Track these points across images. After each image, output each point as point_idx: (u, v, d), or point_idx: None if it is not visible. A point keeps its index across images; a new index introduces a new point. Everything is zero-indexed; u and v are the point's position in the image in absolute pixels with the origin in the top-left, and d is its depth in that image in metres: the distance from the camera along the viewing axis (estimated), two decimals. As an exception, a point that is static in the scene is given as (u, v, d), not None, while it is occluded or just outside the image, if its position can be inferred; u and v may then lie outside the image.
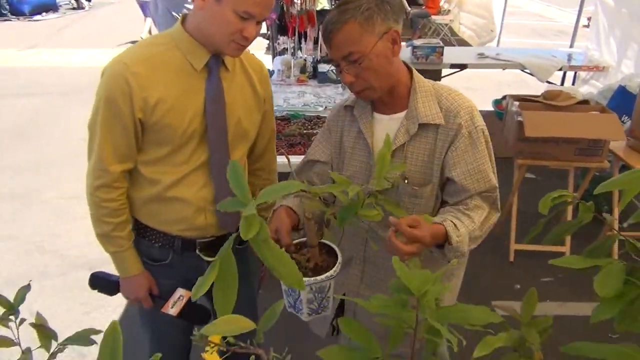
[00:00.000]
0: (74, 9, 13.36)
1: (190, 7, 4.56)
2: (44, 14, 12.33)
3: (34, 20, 11.75)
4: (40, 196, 4.12)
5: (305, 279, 1.15)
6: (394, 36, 1.31)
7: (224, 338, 0.83)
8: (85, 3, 13.58)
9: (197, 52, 1.39)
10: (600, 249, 1.07)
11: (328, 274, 1.19)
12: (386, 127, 1.39)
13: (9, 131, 5.41)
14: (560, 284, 3.15)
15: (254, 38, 1.36)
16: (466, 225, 1.28)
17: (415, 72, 1.42)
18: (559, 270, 3.39)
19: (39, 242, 3.51)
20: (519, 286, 3.09)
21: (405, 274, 0.89)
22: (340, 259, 1.23)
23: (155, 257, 1.58)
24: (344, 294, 1.57)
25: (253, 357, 0.85)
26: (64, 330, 0.89)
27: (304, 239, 1.26)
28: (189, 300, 1.58)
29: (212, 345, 0.82)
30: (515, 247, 3.33)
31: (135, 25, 9.42)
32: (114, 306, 2.82)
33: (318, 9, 5.83)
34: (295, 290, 1.19)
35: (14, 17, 11.76)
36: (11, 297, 0.88)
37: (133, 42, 6.93)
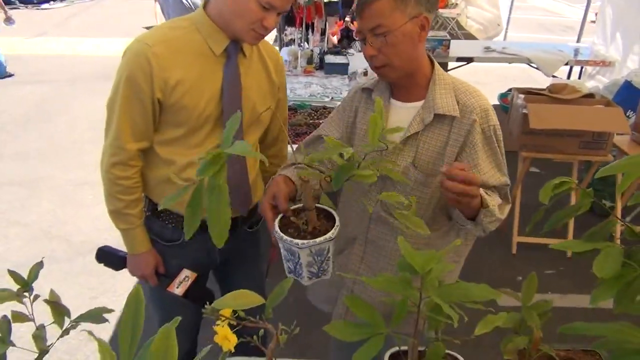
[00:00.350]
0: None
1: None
2: (51, 2, 12.37)
3: (42, 9, 11.79)
4: (48, 183, 4.16)
5: (304, 241, 1.15)
6: (424, 22, 1.32)
7: (234, 312, 0.86)
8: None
9: (217, 37, 1.43)
10: (599, 234, 1.10)
11: (327, 235, 1.17)
12: (402, 114, 1.41)
13: (16, 119, 5.46)
14: (562, 276, 3.18)
15: (273, 28, 1.40)
16: (489, 196, 1.31)
17: (437, 64, 1.43)
18: (561, 263, 3.44)
19: (47, 228, 3.55)
20: (521, 278, 3.12)
21: (409, 253, 0.92)
22: (338, 221, 1.21)
23: (168, 238, 1.61)
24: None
25: (262, 331, 0.89)
26: (72, 313, 0.92)
27: (302, 204, 1.25)
28: (195, 281, 1.62)
29: (223, 318, 0.85)
30: (518, 240, 3.36)
31: (142, 15, 9.46)
32: (121, 291, 2.86)
33: (326, 0, 5.86)
34: (295, 254, 1.18)
35: (22, 4, 11.80)
36: (21, 282, 0.92)
37: (148, 28, 6.94)
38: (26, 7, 11.76)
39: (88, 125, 5.26)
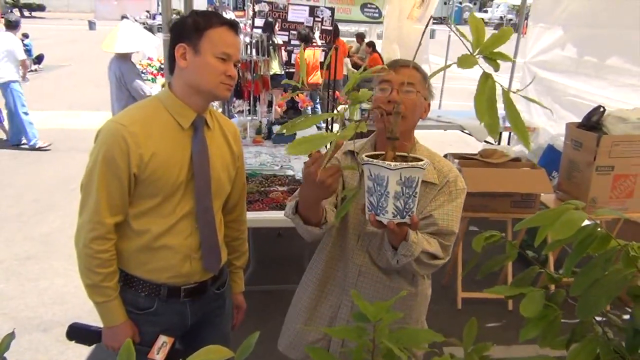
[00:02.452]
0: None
1: (141, 84, 4.75)
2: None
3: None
4: (-9, 257, 4.04)
5: (396, 163, 1.12)
6: (427, 108, 1.63)
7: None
8: (35, 66, 13.53)
9: (184, 112, 1.57)
10: (525, 280, 1.26)
11: (419, 163, 1.15)
12: None
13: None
14: (506, 328, 3.35)
15: (235, 79, 1.57)
16: (423, 240, 1.48)
17: (416, 137, 1.68)
18: (504, 316, 3.62)
19: (-10, 305, 3.43)
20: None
21: (362, 304, 1.05)
22: (425, 159, 1.20)
23: (141, 306, 1.65)
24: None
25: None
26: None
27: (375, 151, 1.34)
28: (172, 345, 1.66)
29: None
30: (462, 295, 3.53)
31: (86, 88, 9.49)
32: (71, 367, 2.80)
33: (271, 73, 6.15)
34: (384, 179, 1.13)
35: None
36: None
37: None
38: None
39: (33, 197, 5.16)
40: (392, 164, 1.13)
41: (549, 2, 5.02)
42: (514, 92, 0.85)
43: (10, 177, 5.75)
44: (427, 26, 1.73)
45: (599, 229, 1.03)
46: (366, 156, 1.21)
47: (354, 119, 1.20)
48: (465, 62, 0.86)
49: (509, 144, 5.69)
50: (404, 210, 1.20)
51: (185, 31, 1.53)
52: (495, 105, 0.86)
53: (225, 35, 1.53)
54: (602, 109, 3.39)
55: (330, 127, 5.26)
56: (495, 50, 0.88)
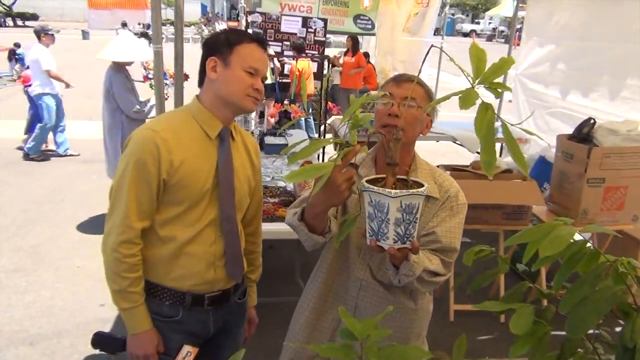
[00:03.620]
0: (14, 80, 13.23)
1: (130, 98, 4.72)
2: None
3: (-28, 92, 11.51)
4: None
5: (396, 190, 1.12)
6: (429, 124, 1.64)
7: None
8: (27, 75, 13.48)
9: (212, 123, 1.63)
10: (515, 295, 1.25)
11: (420, 189, 1.15)
12: None
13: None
14: (497, 341, 3.33)
15: (262, 93, 1.63)
16: (424, 258, 1.48)
17: (416, 152, 1.68)
18: (496, 328, 3.60)
19: (-25, 318, 3.38)
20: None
21: (350, 321, 1.03)
22: (427, 185, 1.21)
23: (166, 314, 1.67)
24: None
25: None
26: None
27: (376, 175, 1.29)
28: (196, 356, 1.68)
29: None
30: (455, 308, 3.51)
31: (77, 98, 9.44)
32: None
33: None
34: (384, 206, 1.14)
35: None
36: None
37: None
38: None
39: (22, 209, 5.11)
40: (393, 191, 1.13)
41: (541, 15, 5.07)
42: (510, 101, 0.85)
43: (1, 186, 5.70)
44: (430, 50, 1.72)
45: (588, 245, 1.03)
46: (366, 181, 1.22)
47: (353, 142, 1.21)
48: (467, 100, 0.85)
49: (500, 155, 5.71)
50: (405, 236, 1.21)
51: (217, 46, 1.61)
52: (494, 141, 0.86)
53: (254, 51, 1.61)
54: (592, 121, 3.41)
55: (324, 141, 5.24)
56: (495, 81, 0.88)
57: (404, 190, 1.15)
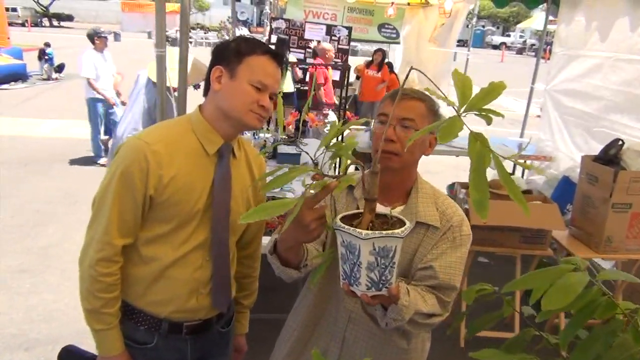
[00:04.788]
0: (44, 79, 13.48)
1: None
2: (12, 83, 12.39)
3: (1, 89, 11.75)
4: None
5: (368, 231, 1.00)
6: (432, 141, 1.48)
7: None
8: (56, 74, 13.71)
9: (211, 138, 1.49)
10: (519, 343, 1.12)
11: (396, 230, 1.02)
12: None
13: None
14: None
15: (270, 111, 1.48)
16: (417, 299, 1.33)
17: (419, 174, 1.54)
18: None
19: (-24, 319, 3.35)
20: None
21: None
22: (409, 224, 1.08)
23: (139, 340, 1.56)
24: None
25: None
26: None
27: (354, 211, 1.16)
28: None
29: None
30: (466, 333, 3.34)
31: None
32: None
33: (283, 92, 6.08)
34: (355, 249, 1.02)
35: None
36: None
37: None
38: (-16, 87, 11.72)
39: (36, 209, 5.11)
40: (364, 232, 1.01)
41: (576, 28, 4.77)
42: (538, 117, 0.74)
43: (16, 186, 5.72)
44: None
45: (603, 295, 0.89)
46: (345, 217, 1.10)
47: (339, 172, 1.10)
48: (448, 131, 0.73)
49: (523, 172, 5.51)
50: (380, 282, 1.08)
51: (225, 54, 1.47)
52: (485, 176, 0.74)
53: (266, 65, 1.46)
54: (620, 142, 3.22)
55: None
56: (485, 107, 0.77)
57: (377, 232, 1.02)
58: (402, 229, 1.05)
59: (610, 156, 3.19)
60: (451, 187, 5.14)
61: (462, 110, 0.74)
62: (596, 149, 3.77)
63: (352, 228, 1.03)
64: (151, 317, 1.54)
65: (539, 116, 6.05)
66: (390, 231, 1.03)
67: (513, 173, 5.42)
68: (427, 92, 1.44)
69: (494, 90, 0.75)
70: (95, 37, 6.52)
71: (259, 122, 1.48)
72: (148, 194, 1.42)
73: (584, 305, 0.88)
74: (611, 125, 4.14)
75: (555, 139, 4.94)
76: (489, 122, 0.74)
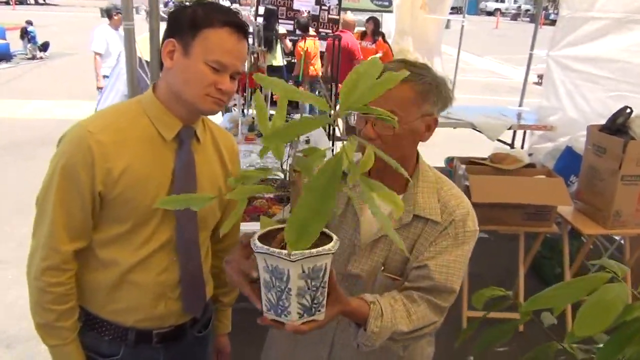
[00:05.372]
0: (29, 59, 13.12)
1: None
2: (-6, 63, 12.07)
3: (-15, 70, 11.45)
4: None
5: (296, 252, 0.86)
6: (431, 123, 1.26)
7: None
8: (40, 53, 13.35)
9: (168, 121, 1.29)
10: (540, 358, 0.97)
11: (325, 247, 0.90)
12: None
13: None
14: (515, 354, 3.03)
15: (231, 94, 1.26)
16: (396, 319, 1.16)
17: (421, 158, 1.34)
18: (514, 338, 3.29)
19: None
20: (472, 358, 2.94)
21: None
22: (336, 237, 0.96)
23: (104, 352, 1.39)
24: None
25: None
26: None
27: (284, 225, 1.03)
28: None
29: None
30: (468, 314, 3.21)
31: (91, 78, 9.26)
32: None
33: (273, 64, 5.84)
34: (283, 274, 0.90)
35: (-37, 66, 11.46)
36: None
37: (100, 89, 6.46)
38: (-32, 68, 11.41)
39: (18, 196, 4.91)
40: (292, 252, 0.86)
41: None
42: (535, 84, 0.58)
43: (1, 173, 5.52)
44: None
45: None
46: (261, 237, 0.94)
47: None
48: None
49: (523, 142, 5.32)
50: (313, 306, 0.95)
51: (179, 25, 1.24)
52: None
53: (225, 40, 1.22)
54: (629, 110, 3.03)
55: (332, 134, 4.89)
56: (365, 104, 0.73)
57: (306, 251, 0.87)
58: (332, 243, 0.92)
59: (618, 125, 3.00)
60: (449, 160, 4.97)
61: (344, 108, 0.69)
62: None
63: (277, 250, 0.88)
64: (116, 327, 1.37)
65: (536, 83, 5.84)
66: (320, 248, 0.89)
67: (513, 144, 5.24)
68: (418, 66, 1.23)
69: (386, 82, 0.70)
70: (114, 13, 6.20)
71: (218, 107, 1.27)
72: (96, 190, 1.23)
73: (624, 331, 0.71)
74: (632, 88, 3.91)
75: (563, 105, 4.70)
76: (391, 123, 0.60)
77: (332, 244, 0.92)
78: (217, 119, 4.73)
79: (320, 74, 6.37)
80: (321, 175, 0.67)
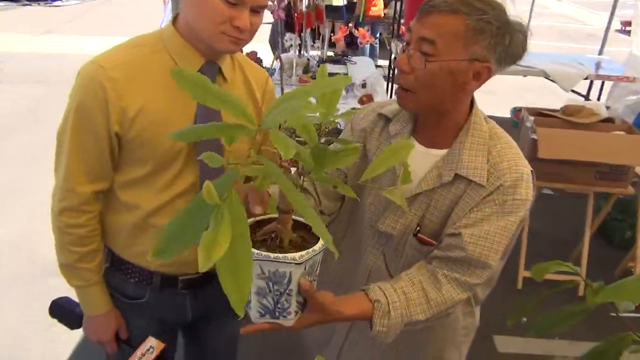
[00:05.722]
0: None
1: None
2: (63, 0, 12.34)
3: (53, 6, 11.73)
4: (25, 189, 3.94)
5: (302, 253, 0.86)
6: (482, 71, 1.07)
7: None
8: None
9: (189, 56, 1.19)
10: (609, 353, 0.82)
11: (289, 255, 0.87)
12: (419, 160, 1.15)
13: (2, 120, 5.26)
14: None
15: (252, 30, 1.14)
16: (409, 309, 1.06)
17: (476, 108, 1.16)
18: (570, 301, 3.10)
19: (15, 242, 3.33)
20: (525, 319, 2.80)
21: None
22: (322, 241, 0.90)
23: (130, 295, 1.38)
24: None
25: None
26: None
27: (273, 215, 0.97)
28: (160, 353, 1.35)
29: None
30: (524, 274, 3.05)
31: (154, 14, 9.30)
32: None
33: (330, 4, 5.58)
34: (284, 277, 0.89)
35: (34, 2, 11.76)
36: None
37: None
38: (38, 4, 11.73)
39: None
40: (298, 255, 0.87)
41: None
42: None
43: (60, 107, 5.66)
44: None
45: None
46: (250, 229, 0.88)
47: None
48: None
49: (600, 94, 4.90)
50: (277, 310, 0.93)
51: None
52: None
53: None
54: None
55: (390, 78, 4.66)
56: None
57: (310, 251, 0.89)
58: (303, 252, 0.88)
59: None
60: (516, 111, 4.67)
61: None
62: None
63: (281, 255, 0.86)
64: (140, 269, 1.34)
65: (618, 30, 5.31)
66: (281, 255, 0.86)
67: (588, 96, 4.84)
68: (481, 1, 1.02)
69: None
70: None
71: (236, 46, 1.15)
72: (112, 130, 1.16)
73: None
74: None
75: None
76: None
77: (301, 253, 0.88)
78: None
79: (382, 14, 6.07)
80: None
